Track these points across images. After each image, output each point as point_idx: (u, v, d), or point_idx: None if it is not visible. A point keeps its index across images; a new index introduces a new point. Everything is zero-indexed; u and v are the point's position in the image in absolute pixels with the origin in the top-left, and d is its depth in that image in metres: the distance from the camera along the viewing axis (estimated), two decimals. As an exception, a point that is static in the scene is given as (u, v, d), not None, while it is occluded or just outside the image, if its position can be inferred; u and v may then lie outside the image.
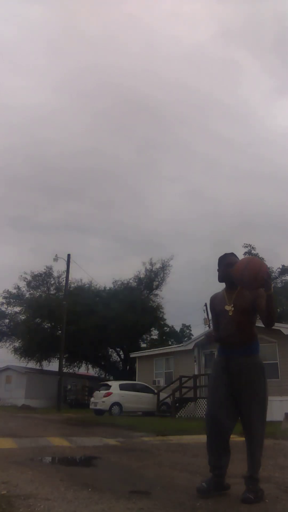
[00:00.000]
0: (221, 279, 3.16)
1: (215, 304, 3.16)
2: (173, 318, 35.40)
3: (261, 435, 2.90)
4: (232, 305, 2.98)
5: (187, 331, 35.39)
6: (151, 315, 28.43)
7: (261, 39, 77.55)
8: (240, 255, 3.29)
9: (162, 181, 70.81)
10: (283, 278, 27.14)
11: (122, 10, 72.12)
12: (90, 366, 31.17)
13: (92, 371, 31.91)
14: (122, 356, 29.67)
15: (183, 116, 74.70)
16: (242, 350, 2.96)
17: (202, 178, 71.54)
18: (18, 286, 29.21)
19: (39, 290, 29.67)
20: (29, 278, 29.34)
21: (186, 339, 30.65)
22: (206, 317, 28.60)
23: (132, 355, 23.96)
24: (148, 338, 31.10)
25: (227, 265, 3.05)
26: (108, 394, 16.97)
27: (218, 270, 3.17)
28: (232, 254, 3.15)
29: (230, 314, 2.97)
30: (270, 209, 57.75)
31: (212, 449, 2.95)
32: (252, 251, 27.10)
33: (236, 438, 3.67)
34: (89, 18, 72.76)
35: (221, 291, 3.17)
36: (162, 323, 31.04)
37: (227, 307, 3.00)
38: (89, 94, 70.80)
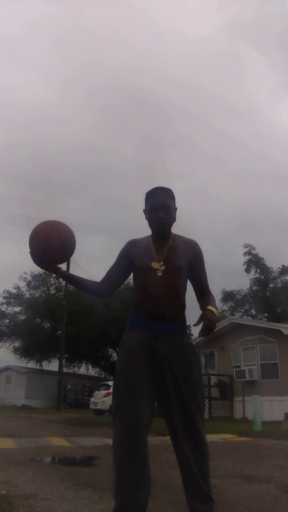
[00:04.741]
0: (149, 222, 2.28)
1: (135, 254, 2.23)
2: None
3: (206, 444, 2.04)
4: (162, 262, 2.15)
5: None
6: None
7: (267, 35, 77.66)
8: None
9: (165, 179, 70.83)
10: (283, 278, 27.17)
11: (126, 5, 72.30)
12: (90, 366, 31.18)
13: (92, 371, 31.91)
14: (122, 356, 29.69)
15: (187, 113, 74.94)
16: (174, 326, 2.14)
17: (205, 175, 71.63)
18: (18, 286, 29.19)
19: (39, 290, 29.64)
20: (29, 278, 29.30)
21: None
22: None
23: (132, 355, 23.94)
24: (148, 338, 31.08)
25: (151, 209, 2.22)
26: (108, 394, 16.95)
27: (145, 211, 2.31)
28: (168, 193, 2.27)
29: (159, 274, 2.12)
30: (272, 208, 57.67)
31: (129, 478, 1.86)
32: (252, 251, 27.18)
33: (236, 439, 3.67)
34: (93, 13, 72.99)
35: (145, 238, 2.30)
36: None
37: (155, 265, 2.14)
38: (92, 90, 71.10)
